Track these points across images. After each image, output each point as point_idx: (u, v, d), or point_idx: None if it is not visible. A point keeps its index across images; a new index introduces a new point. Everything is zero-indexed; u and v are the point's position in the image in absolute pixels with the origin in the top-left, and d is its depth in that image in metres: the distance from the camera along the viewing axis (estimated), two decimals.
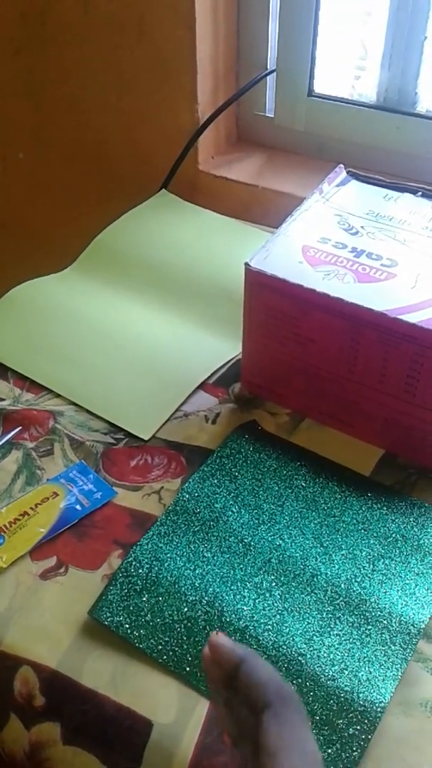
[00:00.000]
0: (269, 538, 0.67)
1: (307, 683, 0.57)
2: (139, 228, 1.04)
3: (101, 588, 0.63)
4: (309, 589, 0.63)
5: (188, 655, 0.59)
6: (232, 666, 0.45)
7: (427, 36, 0.97)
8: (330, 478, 0.72)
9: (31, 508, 0.69)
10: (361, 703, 0.56)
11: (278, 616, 0.61)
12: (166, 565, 0.64)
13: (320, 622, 0.61)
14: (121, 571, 0.64)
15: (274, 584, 0.63)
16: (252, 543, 0.66)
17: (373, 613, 0.61)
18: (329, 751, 0.54)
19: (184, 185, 1.11)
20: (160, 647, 0.59)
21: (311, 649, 0.59)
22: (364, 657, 0.59)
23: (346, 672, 0.58)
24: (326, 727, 0.55)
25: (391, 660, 0.58)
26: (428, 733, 0.55)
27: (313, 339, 0.72)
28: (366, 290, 0.68)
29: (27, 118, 1.25)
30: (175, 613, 0.61)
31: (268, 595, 0.63)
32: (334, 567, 0.65)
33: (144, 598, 0.62)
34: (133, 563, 0.64)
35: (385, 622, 0.61)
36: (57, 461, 0.75)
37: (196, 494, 0.70)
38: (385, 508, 0.69)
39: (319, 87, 1.07)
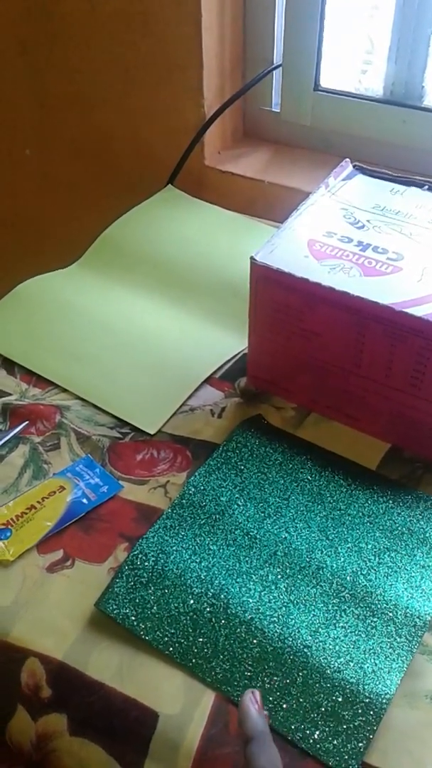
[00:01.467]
0: (275, 531, 0.67)
1: (313, 675, 0.57)
2: (146, 223, 1.04)
3: (107, 581, 0.63)
4: (315, 582, 0.63)
5: (194, 647, 0.59)
6: (245, 736, 0.49)
7: None
8: (336, 471, 0.72)
9: (38, 502, 0.69)
10: (367, 695, 0.56)
11: (284, 609, 0.61)
12: (172, 557, 0.65)
13: (326, 615, 0.61)
14: (127, 564, 0.64)
15: (279, 577, 0.64)
16: (258, 536, 0.67)
17: (378, 606, 0.61)
18: (335, 742, 0.54)
19: (190, 181, 1.11)
20: (166, 639, 0.59)
21: (317, 641, 0.59)
22: (370, 649, 0.59)
23: (352, 664, 0.58)
24: (331, 719, 0.55)
25: (396, 652, 0.59)
26: None
27: (319, 333, 0.72)
28: (372, 284, 0.68)
29: (33, 114, 1.25)
30: (181, 605, 0.61)
31: (273, 587, 0.63)
32: (340, 560, 0.65)
33: (150, 591, 0.62)
34: (139, 556, 0.65)
35: (390, 614, 0.61)
36: (63, 455, 0.75)
37: (202, 488, 0.70)
38: (390, 502, 0.69)
39: (325, 81, 1.07)
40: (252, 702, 0.50)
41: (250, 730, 0.49)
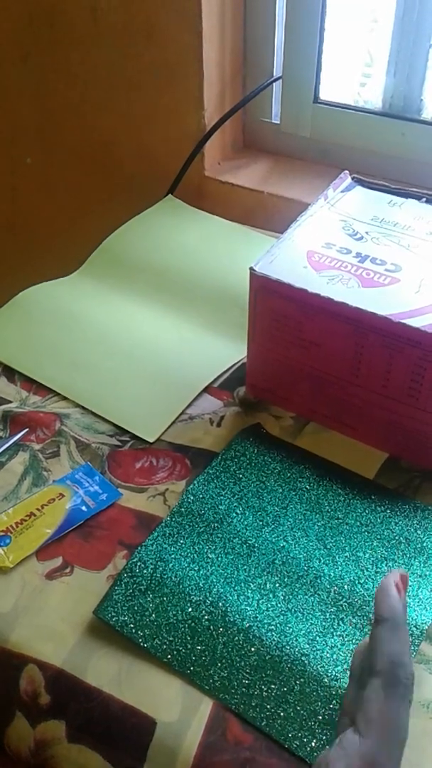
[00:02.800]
0: (273, 540, 0.67)
1: (311, 683, 0.58)
2: (146, 233, 1.05)
3: (106, 588, 0.64)
4: (312, 590, 0.64)
5: (192, 655, 0.59)
6: (378, 615, 0.45)
7: None
8: (334, 480, 0.73)
9: (38, 509, 0.70)
10: None
11: (282, 617, 0.62)
12: (170, 565, 0.65)
13: (323, 623, 0.61)
14: (126, 571, 0.64)
15: (277, 585, 0.64)
16: (256, 544, 0.67)
17: None
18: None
19: (190, 191, 1.12)
20: (164, 647, 0.60)
21: (314, 649, 0.60)
22: None
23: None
24: (329, 727, 0.55)
25: None
26: (431, 733, 0.55)
27: (318, 343, 0.72)
28: (370, 295, 0.69)
29: (34, 122, 1.26)
30: (180, 613, 0.62)
31: (271, 595, 0.63)
32: (338, 568, 0.65)
33: (148, 598, 0.62)
34: (138, 564, 0.65)
35: None
36: (63, 463, 0.75)
37: (201, 496, 0.71)
38: (388, 511, 0.70)
39: (324, 94, 1.08)
40: (394, 584, 0.46)
41: (385, 611, 0.44)
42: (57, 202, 1.35)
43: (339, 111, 1.07)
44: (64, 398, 0.82)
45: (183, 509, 0.70)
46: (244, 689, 0.57)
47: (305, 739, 0.55)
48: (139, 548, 0.66)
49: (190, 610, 0.62)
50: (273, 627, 0.61)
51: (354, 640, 0.60)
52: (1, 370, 0.86)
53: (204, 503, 0.70)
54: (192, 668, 0.58)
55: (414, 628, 0.61)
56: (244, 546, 0.67)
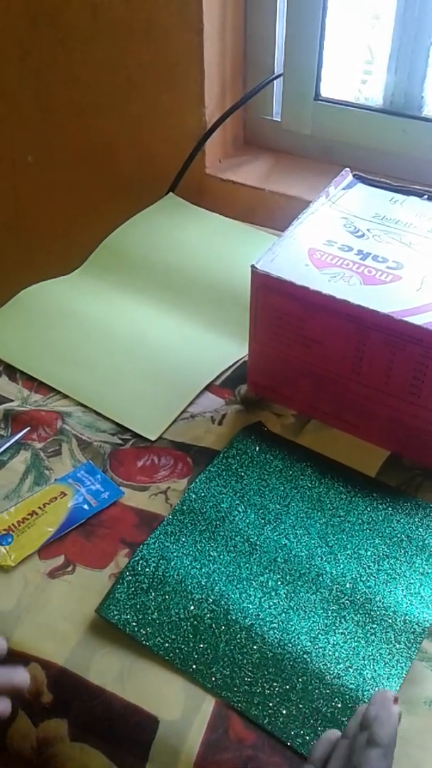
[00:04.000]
0: (275, 538, 0.67)
1: (313, 681, 0.58)
2: (147, 231, 1.05)
3: (108, 586, 0.64)
4: (314, 588, 0.64)
5: (194, 653, 0.59)
6: (374, 737, 0.46)
7: None
8: (335, 478, 0.73)
9: (39, 508, 0.70)
10: (366, 701, 0.56)
11: (284, 615, 0.62)
12: (172, 563, 0.65)
13: (325, 621, 0.61)
14: (128, 569, 0.64)
15: (279, 583, 0.64)
16: (258, 542, 0.67)
17: (378, 612, 0.62)
18: None
19: (191, 189, 1.12)
20: (166, 645, 0.60)
21: (316, 647, 0.60)
22: (369, 655, 0.59)
23: (351, 670, 0.58)
24: (331, 725, 0.55)
25: (395, 658, 0.59)
26: None
27: (319, 341, 0.72)
28: (372, 292, 0.69)
29: (35, 121, 1.26)
30: (182, 611, 0.62)
31: (273, 593, 0.63)
32: (340, 566, 0.65)
33: (151, 597, 0.63)
34: (140, 562, 0.65)
35: (389, 620, 0.61)
36: (65, 461, 0.75)
37: (203, 494, 0.71)
38: (390, 509, 0.70)
39: (325, 91, 1.07)
40: (396, 711, 0.47)
41: (384, 737, 0.46)
42: (58, 202, 1.35)
43: (340, 108, 1.07)
44: (66, 397, 0.82)
45: (185, 507, 0.70)
46: (246, 687, 0.57)
47: (307, 737, 0.55)
48: (141, 546, 0.66)
49: (192, 608, 0.62)
50: (275, 625, 0.61)
51: (356, 638, 0.60)
52: (3, 369, 0.86)
53: (206, 501, 0.70)
54: (194, 666, 0.58)
55: (416, 626, 0.61)
56: (246, 544, 0.67)
